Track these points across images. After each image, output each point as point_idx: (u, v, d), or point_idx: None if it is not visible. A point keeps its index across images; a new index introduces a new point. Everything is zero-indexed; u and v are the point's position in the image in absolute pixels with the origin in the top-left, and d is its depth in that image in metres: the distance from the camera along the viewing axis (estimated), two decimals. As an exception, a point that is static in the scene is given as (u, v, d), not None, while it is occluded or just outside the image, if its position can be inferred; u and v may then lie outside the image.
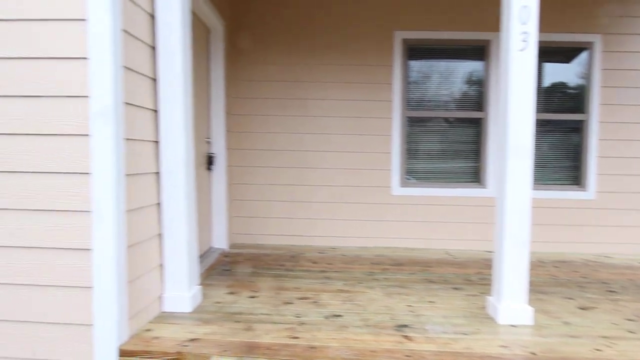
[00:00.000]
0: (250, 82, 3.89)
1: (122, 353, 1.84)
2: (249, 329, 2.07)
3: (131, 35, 1.93)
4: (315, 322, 2.15)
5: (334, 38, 3.86)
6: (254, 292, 2.62)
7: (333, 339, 1.95)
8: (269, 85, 3.89)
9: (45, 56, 1.77)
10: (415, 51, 3.94)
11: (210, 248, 3.61)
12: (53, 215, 1.81)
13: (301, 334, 2.01)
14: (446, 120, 3.98)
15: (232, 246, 3.84)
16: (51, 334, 1.85)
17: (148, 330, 2.03)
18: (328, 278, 2.95)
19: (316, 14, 3.86)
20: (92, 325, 1.83)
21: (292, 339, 1.94)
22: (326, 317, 2.22)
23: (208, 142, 3.47)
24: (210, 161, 3.44)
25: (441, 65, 3.97)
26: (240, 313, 2.28)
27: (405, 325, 2.13)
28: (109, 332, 1.83)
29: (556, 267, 3.34)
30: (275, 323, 2.14)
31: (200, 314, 2.25)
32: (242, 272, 3.07)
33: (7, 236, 1.83)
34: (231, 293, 2.61)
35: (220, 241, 3.68)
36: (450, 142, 3.98)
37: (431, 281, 2.91)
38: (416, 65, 3.96)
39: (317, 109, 3.89)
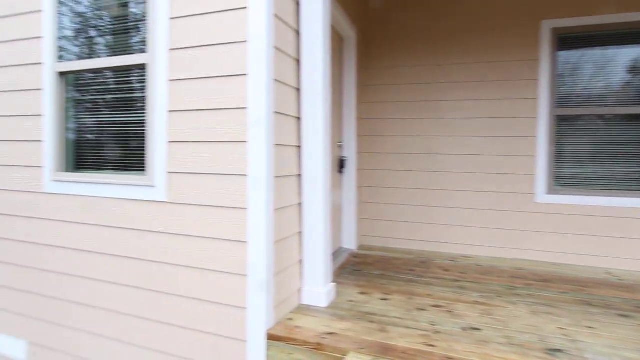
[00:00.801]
0: (380, 86, 3.94)
1: (270, 337, 2.05)
2: (382, 330, 2.09)
3: (281, 50, 2.14)
4: (451, 333, 2.06)
5: (468, 36, 3.65)
6: (385, 295, 2.64)
7: (472, 352, 1.85)
8: (400, 89, 3.88)
9: (219, 75, 2.09)
10: (567, 41, 3.47)
11: (340, 248, 3.75)
12: (219, 210, 2.11)
13: (437, 342, 1.95)
14: (604, 117, 3.41)
15: (361, 247, 3.93)
16: (213, 311, 2.16)
17: (290, 319, 2.22)
18: (462, 288, 2.79)
19: (450, 12, 3.71)
20: (245, 308, 2.08)
21: (427, 347, 1.90)
22: (463, 329, 2.11)
23: (340, 146, 3.62)
24: (341, 164, 3.58)
25: (596, 54, 3.42)
26: (374, 314, 2.32)
27: (559, 350, 1.89)
28: (259, 316, 2.05)
29: None
30: (409, 328, 2.12)
31: (334, 310, 2.36)
32: (371, 273, 3.12)
33: (186, 226, 2.21)
34: (363, 293, 2.67)
35: (350, 242, 3.80)
36: (611, 143, 3.40)
37: (588, 304, 2.53)
38: (566, 56, 3.49)
39: (450, 110, 3.73)
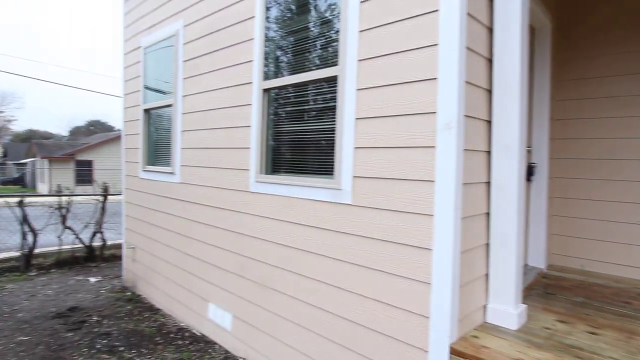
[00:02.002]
0: (581, 80, 3.34)
1: (453, 351, 1.94)
2: (594, 370, 1.75)
3: (472, 50, 2.02)
4: (702, 393, 1.59)
5: None
6: (592, 328, 2.21)
7: None
8: (606, 82, 3.22)
9: (407, 81, 2.10)
10: None
11: (526, 265, 3.33)
12: (404, 215, 2.12)
13: (681, 401, 1.52)
14: None
15: (550, 267, 3.41)
16: (394, 316, 2.17)
17: (475, 336, 2.06)
18: None
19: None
20: (428, 317, 2.02)
21: (666, 404, 1.50)
22: None
23: (528, 151, 3.22)
24: (530, 171, 3.18)
25: None
26: (580, 348, 1.97)
27: None
28: (442, 328, 1.96)
29: None
30: (632, 374, 1.73)
31: (527, 336, 2.09)
32: (569, 300, 2.67)
33: (370, 229, 2.29)
34: (561, 322, 2.30)
35: (537, 259, 3.35)
36: None
37: None
38: None
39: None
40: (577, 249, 3.39)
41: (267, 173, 3.04)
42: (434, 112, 1.98)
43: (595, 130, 3.30)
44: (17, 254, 5.60)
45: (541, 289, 2.87)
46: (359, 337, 2.33)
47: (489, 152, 2.21)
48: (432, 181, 1.99)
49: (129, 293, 4.77)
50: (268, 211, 2.94)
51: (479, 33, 2.08)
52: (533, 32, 3.24)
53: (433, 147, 1.98)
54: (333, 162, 2.50)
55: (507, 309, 2.18)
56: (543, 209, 3.29)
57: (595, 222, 3.30)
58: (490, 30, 2.18)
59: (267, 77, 3.00)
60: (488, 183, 2.22)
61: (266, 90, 3.02)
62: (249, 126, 3.11)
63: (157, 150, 4.48)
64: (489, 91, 2.19)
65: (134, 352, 3.26)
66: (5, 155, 39.87)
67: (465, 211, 2.02)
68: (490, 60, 2.18)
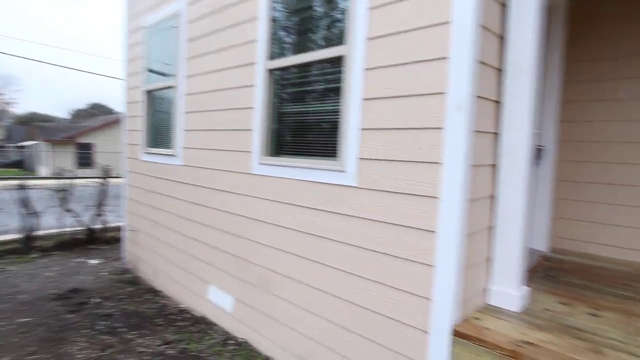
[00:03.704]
0: (595, 61, 3.27)
1: (456, 333, 1.96)
2: (596, 351, 1.77)
3: (486, 28, 1.97)
4: (703, 373, 1.60)
5: None
6: (593, 310, 2.23)
7: None
8: (621, 63, 3.15)
9: (417, 60, 2.06)
10: None
11: (529, 248, 3.34)
12: (409, 198, 2.11)
13: (683, 381, 1.54)
14: None
15: (554, 250, 3.42)
16: (397, 298, 2.18)
17: (476, 318, 2.07)
18: None
19: None
20: (430, 299, 2.03)
21: (668, 384, 1.52)
22: None
23: (536, 134, 3.19)
24: (537, 154, 3.16)
25: None
26: (580, 329, 1.98)
27: None
28: (445, 310, 1.97)
29: None
30: (634, 355, 1.74)
31: (529, 317, 2.11)
32: (570, 282, 2.68)
33: (374, 212, 2.28)
34: (562, 303, 2.31)
35: (540, 242, 3.36)
36: None
37: None
38: None
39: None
40: (581, 233, 3.39)
41: (270, 155, 3.02)
42: (445, 93, 1.95)
43: (604, 112, 3.26)
44: (19, 236, 5.61)
45: (543, 271, 2.89)
46: (362, 319, 2.34)
47: (496, 134, 2.18)
48: (440, 163, 1.97)
49: (129, 275, 4.79)
50: (271, 193, 2.93)
51: (493, 10, 2.03)
52: (549, 11, 3.17)
53: (442, 128, 1.96)
54: (338, 144, 2.48)
55: (509, 291, 2.19)
56: (549, 192, 3.28)
57: (597, 205, 3.30)
58: (504, 6, 2.12)
59: (272, 57, 2.95)
60: (494, 165, 2.20)
61: (271, 71, 2.97)
62: (252, 107, 3.08)
63: (159, 132, 4.45)
64: (500, 70, 2.15)
65: (135, 333, 3.29)
66: (6, 138, 39.71)
67: (472, 194, 2.01)
68: (502, 38, 2.14)
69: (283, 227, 2.83)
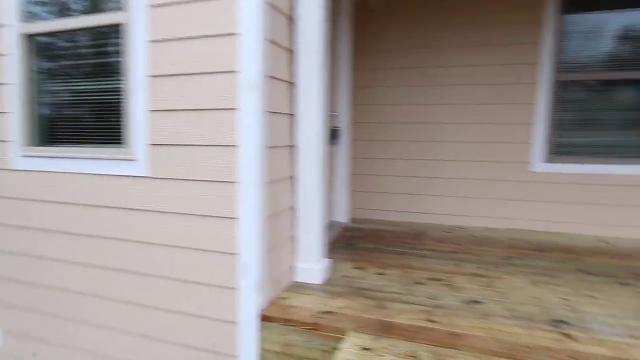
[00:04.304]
0: (377, 52, 3.72)
1: (263, 317, 1.95)
2: (381, 306, 2.02)
3: (274, 7, 1.94)
4: (452, 307, 2.00)
5: (466, -3, 3.46)
6: (380, 269, 2.56)
7: (476, 327, 1.79)
8: (398, 54, 3.67)
9: (206, 34, 1.88)
10: (573, 2, 3.30)
11: (332, 221, 3.66)
12: (207, 184, 1.96)
13: (438, 318, 1.88)
14: (610, 83, 3.32)
15: (353, 220, 3.84)
16: (199, 292, 2.03)
17: (283, 298, 2.12)
18: (458, 259, 2.74)
19: (446, -29, 3.49)
20: (235, 288, 1.96)
21: (429, 322, 1.83)
22: (464, 303, 2.05)
23: (332, 116, 3.46)
24: (334, 135, 3.43)
25: (601, 18, 3.28)
26: (370, 289, 2.24)
27: (563, 322, 1.85)
28: (250, 297, 1.93)
29: None
30: (408, 303, 2.05)
31: (330, 287, 2.27)
32: (365, 247, 3.04)
33: (171, 203, 2.05)
34: (358, 268, 2.59)
35: (342, 215, 3.71)
36: (614, 111, 3.33)
37: (586, 272, 2.50)
38: (572, 19, 3.33)
39: (447, 77, 3.57)
40: (374, 202, 3.89)
41: (39, 145, 2.42)
42: (235, 71, 1.84)
43: (386, 97, 3.75)
44: None
45: (344, 241, 3.19)
46: (166, 323, 2.12)
47: (292, 115, 2.22)
48: (236, 146, 1.88)
49: None
50: (40, 192, 2.36)
51: (277, -9, 2.01)
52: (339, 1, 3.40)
53: (235, 109, 1.86)
54: (125, 128, 2.13)
55: (312, 265, 2.31)
56: (345, 168, 3.63)
57: (384, 178, 3.84)
58: (289, -11, 2.14)
59: (29, 19, 2.32)
60: (292, 146, 2.25)
61: (30, 37, 2.34)
62: (4, 83, 2.38)
63: None
64: (292, 52, 2.17)
65: None
66: None
67: (271, 175, 1.99)
68: (291, 19, 2.15)
69: (63, 232, 2.32)
